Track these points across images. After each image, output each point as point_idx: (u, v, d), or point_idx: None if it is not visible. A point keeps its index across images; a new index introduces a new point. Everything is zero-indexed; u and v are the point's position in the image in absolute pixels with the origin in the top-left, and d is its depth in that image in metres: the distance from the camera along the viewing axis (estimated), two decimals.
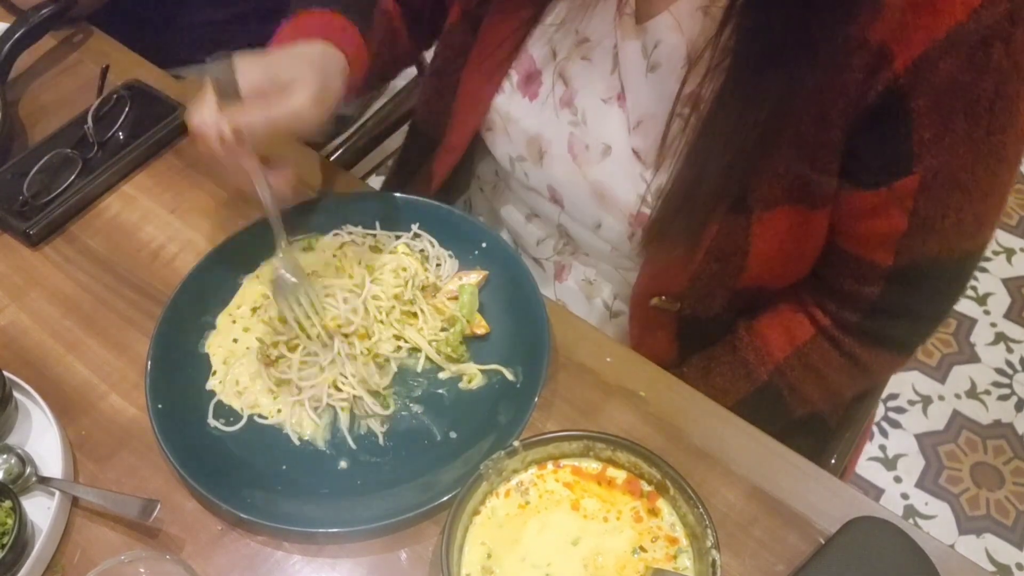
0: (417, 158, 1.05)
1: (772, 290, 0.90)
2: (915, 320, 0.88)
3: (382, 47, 0.99)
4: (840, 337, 0.87)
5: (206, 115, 0.75)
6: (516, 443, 0.73)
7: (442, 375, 0.84)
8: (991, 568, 1.69)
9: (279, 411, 0.82)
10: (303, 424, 0.81)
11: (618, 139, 0.84)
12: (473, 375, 0.83)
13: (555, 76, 0.87)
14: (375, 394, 0.81)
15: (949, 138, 0.71)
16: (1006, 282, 2.12)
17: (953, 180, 0.74)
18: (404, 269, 0.88)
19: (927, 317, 0.89)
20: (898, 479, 1.83)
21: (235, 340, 0.86)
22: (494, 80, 0.91)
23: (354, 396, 0.81)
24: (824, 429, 1.00)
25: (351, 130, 1.49)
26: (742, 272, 0.84)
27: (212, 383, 0.84)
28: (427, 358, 0.84)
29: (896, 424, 1.91)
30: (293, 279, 0.83)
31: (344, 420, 0.81)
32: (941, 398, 1.94)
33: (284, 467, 0.79)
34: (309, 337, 0.83)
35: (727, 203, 0.79)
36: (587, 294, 0.99)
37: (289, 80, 0.77)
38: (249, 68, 0.76)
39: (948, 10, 0.66)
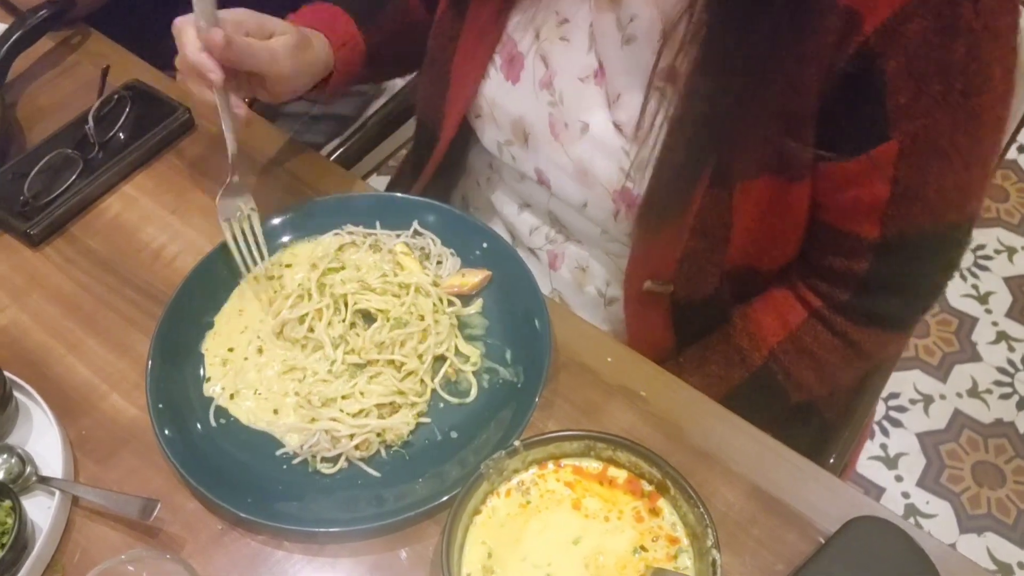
0: (425, 152, 1.05)
1: (763, 273, 0.90)
2: (906, 295, 0.88)
3: (398, 26, 1.04)
4: (832, 317, 0.88)
5: (190, 24, 0.81)
6: (517, 443, 0.73)
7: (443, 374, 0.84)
8: (992, 567, 1.69)
9: (275, 412, 0.82)
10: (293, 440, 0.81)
11: (597, 116, 0.85)
12: (476, 361, 0.84)
13: (535, 58, 0.88)
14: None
15: (924, 102, 0.71)
16: (1008, 281, 2.12)
17: (932, 146, 0.74)
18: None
19: (918, 292, 0.88)
20: (899, 478, 1.83)
21: (230, 350, 0.86)
22: (480, 66, 0.92)
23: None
24: (821, 422, 1.00)
25: (351, 130, 1.49)
26: (727, 247, 0.84)
27: (208, 389, 0.83)
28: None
29: (897, 423, 1.91)
30: (239, 201, 0.88)
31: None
32: (942, 397, 1.94)
33: (284, 467, 0.79)
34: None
35: (708, 175, 0.79)
36: (581, 282, 0.99)
37: (272, 28, 0.85)
38: (235, 10, 0.84)
39: None
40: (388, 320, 0.84)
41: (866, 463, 1.84)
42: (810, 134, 0.76)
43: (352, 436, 0.78)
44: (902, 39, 0.69)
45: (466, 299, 0.89)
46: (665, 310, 0.90)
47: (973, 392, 1.94)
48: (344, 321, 0.84)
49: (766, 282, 0.92)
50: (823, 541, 0.73)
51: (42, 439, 0.80)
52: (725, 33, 0.72)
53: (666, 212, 0.83)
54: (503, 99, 0.92)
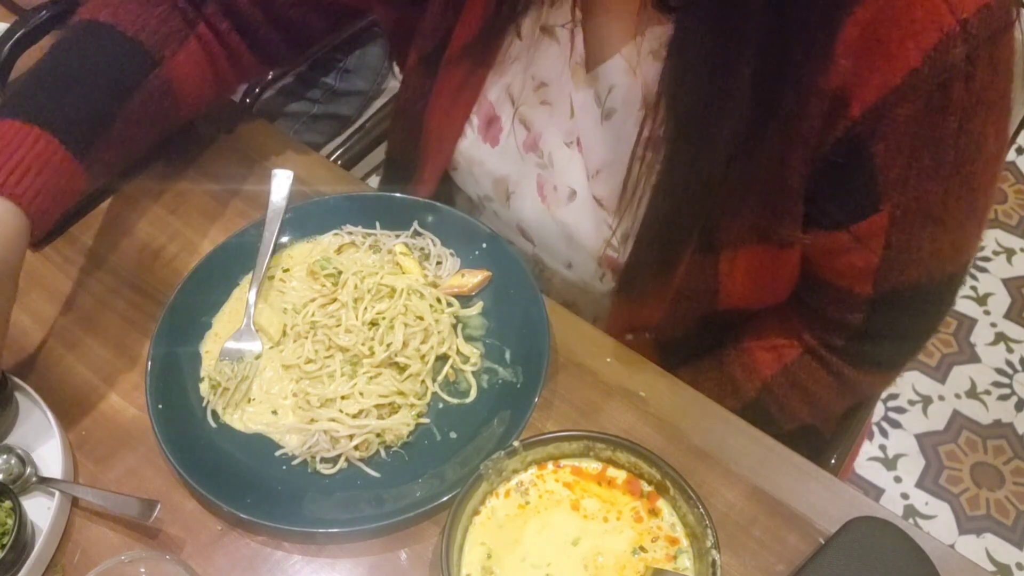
0: (396, 187, 1.04)
1: (755, 312, 0.90)
2: (901, 341, 0.87)
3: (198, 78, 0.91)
4: (827, 356, 0.87)
5: None
6: (516, 443, 0.73)
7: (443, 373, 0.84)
8: (991, 568, 1.69)
9: (274, 413, 0.82)
10: (292, 441, 0.81)
11: (580, 184, 0.84)
12: (475, 361, 0.84)
13: (515, 121, 0.86)
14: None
15: (915, 175, 0.70)
16: (1006, 282, 2.12)
17: (925, 213, 0.72)
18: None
19: (913, 337, 0.88)
20: (898, 479, 1.83)
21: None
22: (456, 124, 0.89)
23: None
24: (818, 439, 1.00)
25: (351, 130, 1.50)
26: (714, 307, 0.84)
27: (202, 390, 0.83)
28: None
29: (896, 424, 1.91)
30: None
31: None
32: (941, 398, 1.94)
33: (284, 467, 0.79)
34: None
35: (692, 244, 0.78)
36: None
37: None
38: None
39: (901, 55, 0.64)
40: (386, 320, 0.84)
41: (865, 464, 1.85)
42: (797, 209, 0.75)
43: (351, 437, 0.78)
44: (891, 122, 0.67)
45: (466, 300, 0.89)
46: (651, 349, 0.90)
47: (972, 393, 1.94)
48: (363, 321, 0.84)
49: (760, 315, 0.91)
50: (823, 542, 0.73)
51: (42, 439, 0.80)
52: (696, 111, 0.70)
53: (649, 280, 0.82)
54: (482, 158, 0.90)
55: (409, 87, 0.92)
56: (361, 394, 0.80)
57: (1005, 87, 0.68)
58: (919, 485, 1.82)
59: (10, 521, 0.72)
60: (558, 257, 0.92)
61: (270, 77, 1.36)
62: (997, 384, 1.96)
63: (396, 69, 1.53)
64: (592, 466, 0.75)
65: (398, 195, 0.94)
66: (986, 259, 2.16)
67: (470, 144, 0.90)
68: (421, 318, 0.84)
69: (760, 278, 0.82)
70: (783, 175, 0.72)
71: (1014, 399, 1.93)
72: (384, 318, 0.84)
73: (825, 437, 1.01)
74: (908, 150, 0.68)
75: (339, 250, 0.92)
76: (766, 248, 0.79)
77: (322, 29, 0.96)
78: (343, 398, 0.80)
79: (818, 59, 0.66)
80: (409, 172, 0.97)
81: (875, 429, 1.89)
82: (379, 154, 1.41)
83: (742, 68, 0.65)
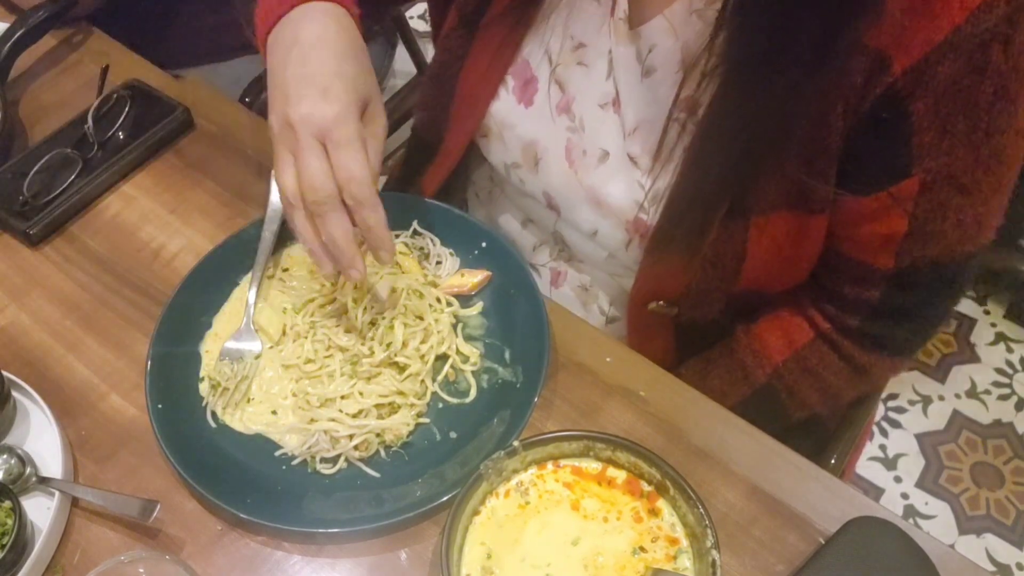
0: (419, 163, 1.04)
1: (770, 294, 0.90)
2: (915, 323, 0.87)
3: None
4: (839, 341, 0.87)
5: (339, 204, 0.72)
6: (516, 443, 0.73)
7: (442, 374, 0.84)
8: (991, 568, 1.69)
9: (274, 413, 0.82)
10: (292, 441, 0.81)
11: (615, 145, 0.84)
12: (475, 361, 0.84)
13: (551, 82, 0.87)
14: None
15: (948, 140, 0.71)
16: None
17: (953, 182, 0.73)
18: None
19: (927, 320, 0.88)
20: (898, 479, 1.83)
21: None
22: (491, 85, 0.90)
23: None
24: (823, 431, 1.00)
25: None
26: (738, 276, 0.84)
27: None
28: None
29: (896, 424, 1.91)
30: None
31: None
32: (941, 398, 1.94)
33: (284, 467, 0.79)
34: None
35: (725, 208, 0.78)
36: (583, 300, 0.99)
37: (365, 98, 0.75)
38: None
39: (945, 14, 0.65)
40: (386, 320, 0.84)
41: (865, 464, 1.85)
42: (832, 170, 0.75)
43: (351, 437, 0.78)
44: (932, 80, 0.68)
45: (465, 299, 0.89)
46: (668, 330, 0.90)
47: (972, 393, 1.94)
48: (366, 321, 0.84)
49: (773, 302, 0.92)
50: (823, 541, 0.73)
51: (41, 439, 0.80)
52: (746, 69, 0.71)
53: (679, 243, 0.82)
54: (515, 121, 0.90)
55: (445, 50, 0.92)
56: (361, 394, 0.80)
57: None
58: (919, 485, 1.82)
59: (10, 521, 0.72)
60: (583, 226, 0.90)
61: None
62: (997, 384, 1.96)
63: (394, 68, 1.52)
64: (592, 466, 0.75)
65: (398, 194, 0.95)
66: None
67: (504, 106, 0.90)
68: (421, 318, 0.84)
69: (786, 248, 0.82)
70: (822, 134, 0.73)
71: (1014, 399, 1.93)
72: (384, 318, 0.84)
73: (829, 429, 1.01)
74: (945, 113, 0.69)
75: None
76: (795, 215, 0.79)
77: None
78: (343, 398, 0.80)
79: (871, 14, 0.66)
80: (435, 143, 0.97)
81: (875, 429, 1.89)
82: None
83: (801, 23, 0.66)
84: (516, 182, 0.94)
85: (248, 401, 0.82)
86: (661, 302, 0.88)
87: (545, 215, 0.95)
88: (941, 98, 0.69)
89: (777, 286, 0.89)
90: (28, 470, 0.77)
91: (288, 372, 0.83)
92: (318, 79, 0.73)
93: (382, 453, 0.79)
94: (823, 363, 0.89)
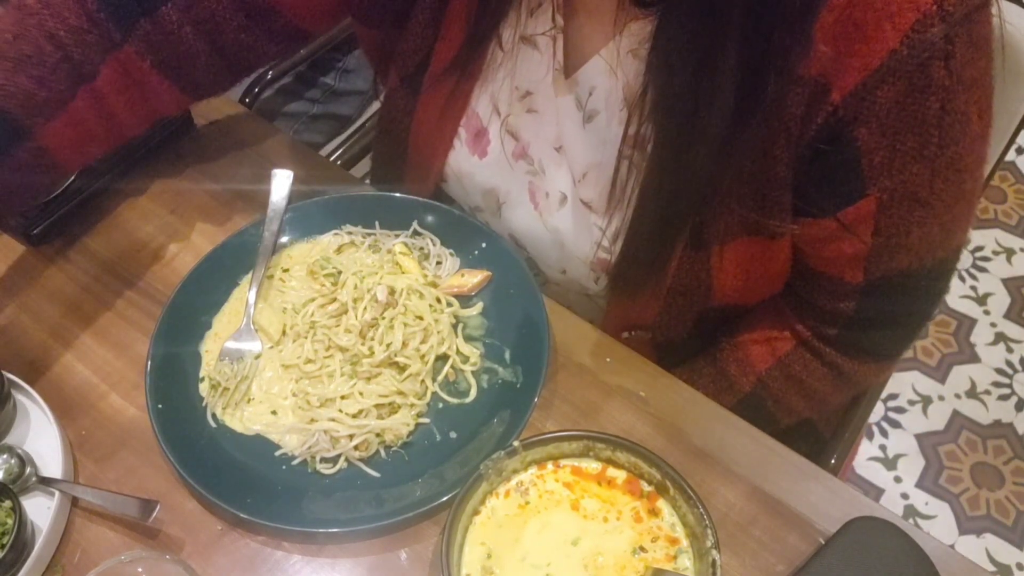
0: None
1: (748, 305, 0.90)
2: (895, 329, 0.87)
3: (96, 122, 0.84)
4: (821, 348, 0.87)
5: None
6: (516, 443, 0.73)
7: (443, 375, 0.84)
8: (991, 568, 1.69)
9: (274, 413, 0.82)
10: (292, 441, 0.81)
11: (569, 190, 0.84)
12: (475, 361, 0.84)
13: (502, 132, 0.86)
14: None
15: (900, 159, 0.69)
16: (1006, 282, 2.12)
17: (913, 197, 0.72)
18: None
19: (907, 324, 0.88)
20: (898, 479, 1.83)
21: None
22: (446, 137, 0.89)
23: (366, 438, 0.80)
24: (818, 437, 1.00)
25: (351, 130, 1.49)
26: (708, 299, 0.84)
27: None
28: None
29: (896, 424, 1.91)
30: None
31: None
32: (941, 398, 1.94)
33: (283, 468, 0.79)
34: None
35: (683, 240, 0.78)
36: None
37: None
38: None
39: (878, 37, 0.64)
40: (385, 320, 0.84)
41: (865, 464, 1.85)
42: (786, 198, 0.75)
43: (351, 437, 0.78)
44: (873, 105, 0.67)
45: (465, 299, 0.89)
46: (648, 348, 0.90)
47: (972, 393, 1.94)
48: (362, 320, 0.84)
49: (753, 310, 0.91)
50: (823, 542, 0.73)
51: (41, 439, 0.80)
52: (676, 111, 0.69)
53: (639, 279, 0.82)
54: (472, 170, 0.90)
55: (391, 107, 0.92)
56: (361, 394, 0.80)
57: (986, 66, 0.68)
58: (919, 485, 1.82)
59: (10, 521, 0.72)
60: (552, 264, 0.92)
61: (269, 77, 1.36)
62: (997, 384, 1.96)
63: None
64: (592, 466, 0.75)
65: (398, 195, 0.94)
66: (986, 259, 2.16)
67: (459, 156, 0.90)
68: (421, 318, 0.84)
69: (752, 270, 0.82)
70: (769, 166, 0.72)
71: (1014, 399, 1.93)
72: (384, 318, 0.84)
73: (824, 437, 1.01)
74: (891, 133, 0.68)
75: (339, 250, 0.92)
76: (756, 240, 0.79)
77: (272, 54, 0.91)
78: (343, 398, 0.80)
79: (799, 46, 0.65)
80: (395, 190, 0.97)
81: (875, 429, 1.89)
82: None
83: (727, 58, 0.65)
84: (482, 223, 0.94)
85: (248, 401, 0.82)
86: (634, 332, 0.89)
87: (517, 249, 0.96)
88: (885, 120, 0.67)
89: (752, 300, 0.89)
90: (28, 470, 0.77)
91: (288, 372, 0.83)
92: None
93: (382, 453, 0.79)
94: (807, 370, 0.88)
